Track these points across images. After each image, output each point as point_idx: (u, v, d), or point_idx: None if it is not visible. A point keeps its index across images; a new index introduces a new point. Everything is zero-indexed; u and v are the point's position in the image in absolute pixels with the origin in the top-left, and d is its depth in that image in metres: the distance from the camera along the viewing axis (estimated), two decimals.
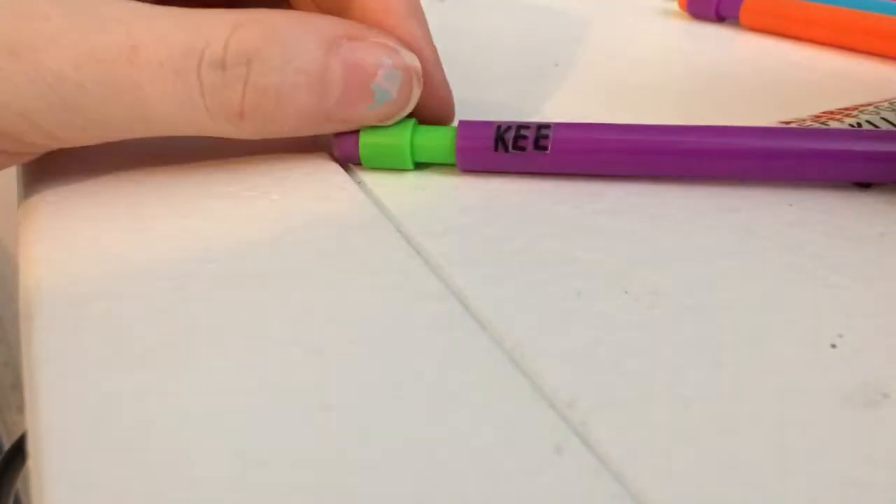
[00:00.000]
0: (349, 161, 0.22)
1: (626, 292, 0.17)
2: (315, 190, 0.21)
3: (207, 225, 0.20)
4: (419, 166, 0.22)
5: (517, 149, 0.21)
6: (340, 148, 0.22)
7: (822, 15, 0.32)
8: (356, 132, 0.22)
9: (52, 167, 0.22)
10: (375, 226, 0.20)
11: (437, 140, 0.22)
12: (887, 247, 0.19)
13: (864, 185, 0.21)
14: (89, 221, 0.20)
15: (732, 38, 0.33)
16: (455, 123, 0.23)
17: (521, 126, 0.21)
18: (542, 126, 0.21)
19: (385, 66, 0.20)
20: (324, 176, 0.22)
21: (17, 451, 0.45)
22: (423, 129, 0.22)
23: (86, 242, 0.19)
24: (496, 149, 0.21)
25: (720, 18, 0.35)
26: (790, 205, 0.20)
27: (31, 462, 0.13)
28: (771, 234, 0.19)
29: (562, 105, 0.27)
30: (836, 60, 0.31)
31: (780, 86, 0.28)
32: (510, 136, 0.21)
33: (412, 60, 0.21)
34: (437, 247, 0.19)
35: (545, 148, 0.21)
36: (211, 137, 0.21)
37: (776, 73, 0.30)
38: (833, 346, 0.16)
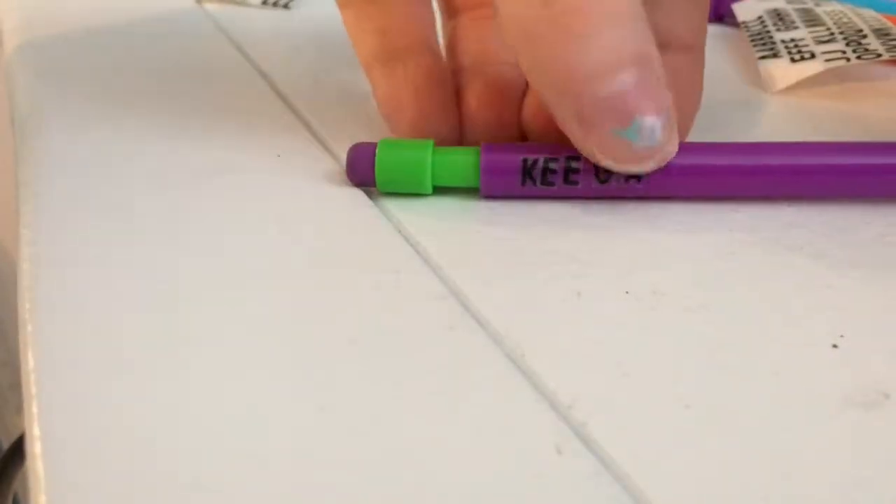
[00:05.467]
0: (363, 185, 0.21)
1: (627, 292, 0.17)
2: (313, 190, 0.21)
3: (207, 227, 0.20)
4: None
5: (546, 184, 0.20)
6: (354, 170, 0.21)
7: None
8: (372, 153, 0.20)
9: (52, 167, 0.22)
10: (375, 225, 0.20)
11: (458, 161, 0.20)
12: (887, 247, 0.19)
13: None
14: (90, 222, 0.20)
15: (731, 38, 0.33)
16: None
17: (549, 158, 0.20)
18: (570, 157, 0.20)
19: (658, 118, 0.18)
20: (321, 176, 0.22)
21: (16, 452, 0.45)
22: (443, 150, 0.21)
23: (85, 242, 0.19)
24: (524, 183, 0.20)
25: (719, 18, 0.35)
26: (789, 205, 0.20)
27: (29, 463, 0.13)
28: (771, 234, 0.19)
29: None
30: None
31: None
32: (538, 171, 0.20)
33: (673, 146, 0.19)
34: (437, 246, 0.19)
35: (576, 183, 0.20)
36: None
37: None
38: (834, 346, 0.16)
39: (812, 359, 0.16)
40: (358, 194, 0.21)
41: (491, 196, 0.21)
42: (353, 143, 0.21)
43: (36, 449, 0.13)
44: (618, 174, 0.20)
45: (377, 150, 0.21)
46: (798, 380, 0.15)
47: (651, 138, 0.18)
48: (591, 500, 0.13)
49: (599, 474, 0.13)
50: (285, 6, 0.36)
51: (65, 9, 0.35)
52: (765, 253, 0.19)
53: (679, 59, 0.21)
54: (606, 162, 0.19)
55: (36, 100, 0.27)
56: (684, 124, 0.21)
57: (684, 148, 0.20)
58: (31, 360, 0.15)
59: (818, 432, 0.14)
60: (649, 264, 0.18)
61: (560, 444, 0.14)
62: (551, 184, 0.20)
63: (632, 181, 0.20)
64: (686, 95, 0.21)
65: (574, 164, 0.20)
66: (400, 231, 0.20)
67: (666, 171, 0.20)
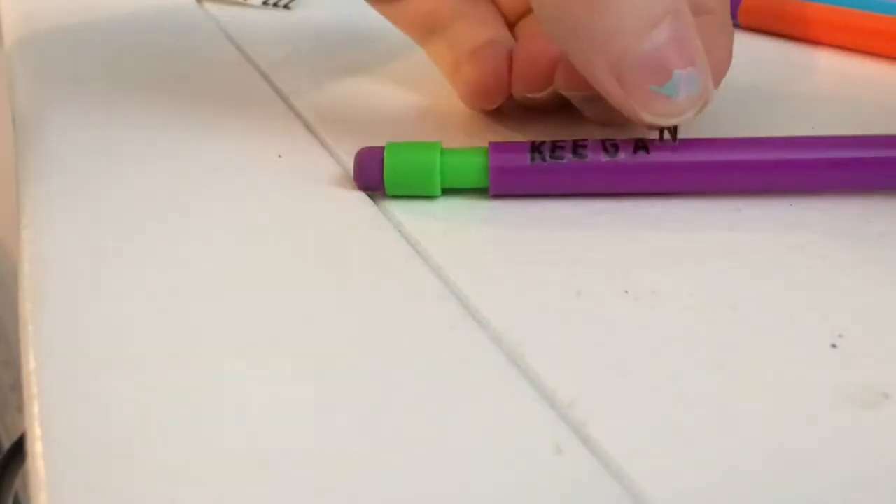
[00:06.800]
0: (370, 189, 0.21)
1: (626, 292, 0.17)
2: (314, 190, 0.21)
3: (208, 228, 0.20)
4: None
5: (555, 158, 0.20)
6: (361, 175, 0.21)
7: (820, 15, 0.32)
8: (380, 157, 0.20)
9: (52, 166, 0.22)
10: (375, 226, 0.20)
11: (467, 162, 0.20)
12: (887, 246, 0.19)
13: None
14: (90, 222, 0.20)
15: None
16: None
17: (556, 143, 0.20)
18: (577, 143, 0.20)
19: (694, 69, 0.19)
20: (322, 176, 0.22)
21: (17, 451, 0.45)
22: (451, 151, 0.21)
23: (86, 242, 0.19)
24: (532, 160, 0.20)
25: None
26: (790, 204, 0.20)
27: (30, 462, 0.13)
28: (771, 234, 0.19)
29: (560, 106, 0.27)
30: (835, 60, 0.31)
31: (779, 86, 0.28)
32: (546, 147, 0.20)
33: (709, 91, 0.19)
34: (438, 247, 0.19)
35: (584, 156, 0.20)
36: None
37: (774, 73, 0.30)
38: (833, 346, 0.16)
39: (811, 358, 0.16)
40: (358, 194, 0.21)
41: (501, 195, 0.21)
42: (354, 141, 0.21)
43: (37, 448, 0.13)
44: (625, 147, 0.20)
45: (385, 155, 0.20)
46: (797, 379, 0.15)
47: (689, 89, 0.19)
48: (591, 500, 0.13)
49: (599, 474, 0.13)
50: (286, 6, 0.36)
51: (65, 8, 0.35)
52: (765, 252, 0.19)
53: (705, 20, 0.21)
54: (649, 118, 0.19)
55: (36, 99, 0.27)
56: (715, 82, 0.21)
57: (690, 144, 0.20)
58: (31, 360, 0.15)
59: (817, 432, 0.14)
60: (649, 264, 0.18)
61: (560, 444, 0.14)
62: (560, 158, 0.20)
63: (640, 153, 0.20)
64: (715, 55, 0.21)
65: (581, 148, 0.20)
66: (400, 231, 0.20)
67: (669, 164, 0.20)
